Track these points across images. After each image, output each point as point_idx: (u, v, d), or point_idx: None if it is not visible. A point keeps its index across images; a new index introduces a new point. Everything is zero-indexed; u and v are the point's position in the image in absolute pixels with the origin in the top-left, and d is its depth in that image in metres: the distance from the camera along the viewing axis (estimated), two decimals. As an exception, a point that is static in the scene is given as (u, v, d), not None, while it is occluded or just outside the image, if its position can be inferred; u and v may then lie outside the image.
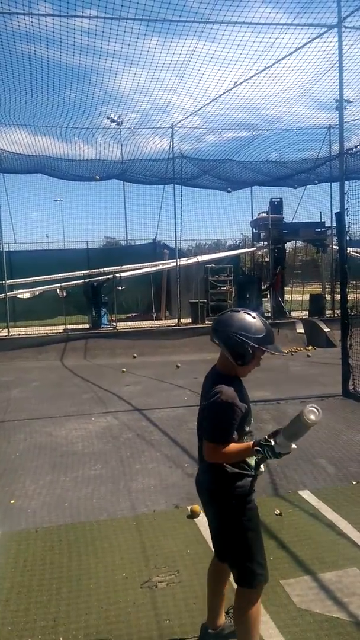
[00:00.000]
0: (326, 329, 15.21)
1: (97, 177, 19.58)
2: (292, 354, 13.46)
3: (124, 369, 11.53)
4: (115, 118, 17.19)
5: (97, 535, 3.98)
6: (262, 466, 2.47)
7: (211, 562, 2.77)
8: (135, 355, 13.59)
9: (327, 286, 20.10)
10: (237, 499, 2.47)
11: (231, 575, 2.62)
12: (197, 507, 3.98)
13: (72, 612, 3.05)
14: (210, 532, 2.69)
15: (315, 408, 2.33)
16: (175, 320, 16.78)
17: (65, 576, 3.43)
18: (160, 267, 19.42)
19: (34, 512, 4.47)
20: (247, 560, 2.46)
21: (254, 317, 2.43)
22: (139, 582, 3.31)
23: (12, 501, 4.72)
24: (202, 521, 3.13)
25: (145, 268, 18.84)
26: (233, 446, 2.36)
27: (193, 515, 4.13)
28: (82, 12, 9.65)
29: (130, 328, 16.17)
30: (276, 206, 18.61)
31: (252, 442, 2.38)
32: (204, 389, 2.53)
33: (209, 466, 2.46)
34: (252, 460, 2.46)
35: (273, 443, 2.35)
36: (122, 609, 3.06)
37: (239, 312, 2.46)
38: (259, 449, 2.33)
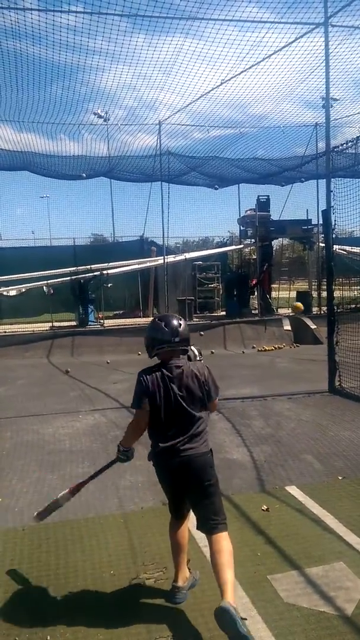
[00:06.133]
0: (313, 326, 15.32)
1: (84, 175, 19.47)
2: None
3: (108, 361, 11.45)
4: (102, 114, 17.09)
5: (85, 533, 3.98)
6: None
7: (172, 526, 3.16)
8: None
9: (314, 283, 20.21)
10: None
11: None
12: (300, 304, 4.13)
13: (59, 611, 3.04)
14: (189, 496, 3.06)
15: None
16: (163, 318, 16.74)
17: (52, 574, 3.42)
18: (148, 264, 19.39)
19: (20, 510, 4.45)
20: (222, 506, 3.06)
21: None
22: (127, 580, 3.31)
23: (-1, 500, 4.69)
24: (190, 517, 3.15)
25: (133, 265, 18.79)
26: None
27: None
28: (68, 8, 9.58)
29: (117, 325, 16.14)
30: (263, 203, 18.66)
31: None
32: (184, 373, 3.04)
33: (203, 431, 3.03)
34: None
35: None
36: (110, 607, 3.06)
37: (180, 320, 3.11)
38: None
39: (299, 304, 4.03)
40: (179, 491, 3.08)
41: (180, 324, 3.04)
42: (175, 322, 3.04)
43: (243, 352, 13.99)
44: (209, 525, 2.94)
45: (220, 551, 2.83)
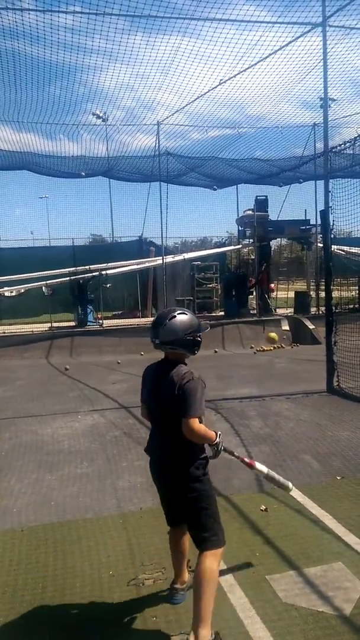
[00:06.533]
0: (311, 326, 15.33)
1: (83, 174, 19.47)
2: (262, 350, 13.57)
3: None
4: (101, 114, 17.09)
5: (84, 534, 3.97)
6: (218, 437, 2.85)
7: (171, 535, 3.07)
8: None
9: (312, 283, 20.24)
10: (206, 466, 2.85)
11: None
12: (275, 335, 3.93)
13: (58, 612, 3.04)
14: (175, 506, 2.93)
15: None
16: (162, 318, 16.75)
17: (51, 575, 3.42)
18: (147, 264, 19.39)
19: (19, 511, 4.45)
20: (217, 523, 2.84)
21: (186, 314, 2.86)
22: (125, 580, 3.31)
23: (-2, 501, 4.68)
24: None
25: (132, 265, 18.79)
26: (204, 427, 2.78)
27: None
28: (66, 8, 9.57)
29: (116, 326, 16.14)
30: (261, 204, 18.68)
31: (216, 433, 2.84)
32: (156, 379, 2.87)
33: (182, 444, 2.75)
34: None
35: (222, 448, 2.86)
36: (108, 607, 3.06)
37: (175, 316, 2.81)
38: (220, 437, 2.83)
39: (274, 335, 3.99)
40: (162, 494, 3.01)
41: (164, 324, 2.77)
42: (162, 320, 2.80)
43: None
44: (195, 539, 2.84)
45: (197, 573, 2.69)
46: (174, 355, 2.86)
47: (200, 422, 2.74)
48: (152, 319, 16.35)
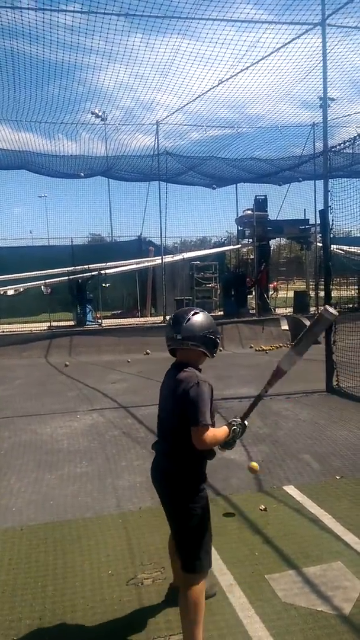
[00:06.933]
0: (310, 326, 15.31)
1: (82, 174, 19.47)
2: (266, 352, 13.58)
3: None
4: (100, 114, 17.09)
5: (83, 533, 3.97)
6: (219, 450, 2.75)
7: (171, 536, 2.89)
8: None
9: (312, 283, 20.25)
10: (200, 484, 2.65)
11: None
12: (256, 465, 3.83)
13: (57, 611, 3.04)
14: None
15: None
16: (161, 318, 16.78)
17: (50, 574, 3.43)
18: (146, 264, 19.40)
19: (19, 510, 4.45)
20: (200, 547, 2.60)
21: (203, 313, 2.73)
22: (124, 580, 3.31)
23: (-3, 500, 4.69)
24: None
25: (131, 265, 18.81)
26: (215, 429, 2.61)
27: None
28: (65, 7, 9.58)
29: (115, 325, 16.14)
30: (261, 203, 18.69)
31: (227, 423, 2.74)
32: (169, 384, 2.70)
33: (179, 453, 2.60)
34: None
35: (246, 423, 2.83)
36: (108, 607, 3.06)
37: (197, 313, 2.70)
38: (235, 427, 2.73)
39: (255, 465, 3.99)
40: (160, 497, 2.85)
41: (187, 319, 2.64)
42: (184, 316, 2.67)
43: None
44: (180, 559, 2.66)
45: (185, 596, 2.56)
46: (185, 358, 2.69)
47: (213, 425, 2.58)
48: (151, 318, 16.43)
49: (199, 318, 2.67)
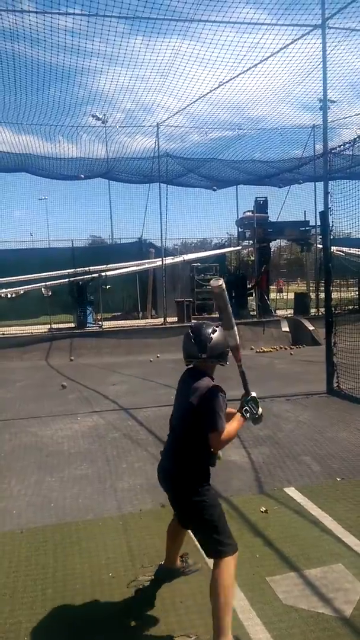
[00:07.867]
0: (311, 327, 15.33)
1: (82, 176, 19.48)
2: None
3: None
4: (100, 116, 17.12)
5: (83, 536, 3.97)
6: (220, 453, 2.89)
7: (172, 522, 3.16)
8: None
9: (312, 285, 20.24)
10: (208, 482, 2.86)
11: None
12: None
13: (58, 613, 3.04)
14: (179, 512, 3.01)
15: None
16: (161, 319, 16.78)
17: (50, 577, 3.42)
18: (146, 265, 19.39)
19: (19, 513, 4.44)
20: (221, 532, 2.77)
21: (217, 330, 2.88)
22: (125, 582, 3.30)
23: (-3, 502, 4.68)
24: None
25: (131, 267, 18.80)
26: (229, 425, 2.77)
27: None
28: (66, 10, 9.59)
29: (116, 327, 16.14)
30: (261, 205, 18.71)
31: (236, 410, 2.92)
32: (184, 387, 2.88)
33: (187, 458, 2.80)
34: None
35: (254, 394, 2.96)
36: (108, 609, 3.05)
37: (216, 330, 2.86)
38: (247, 407, 2.91)
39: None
40: (169, 498, 3.04)
41: (210, 339, 2.81)
42: (207, 335, 2.83)
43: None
44: (202, 549, 2.86)
45: (211, 580, 2.67)
46: (203, 367, 2.88)
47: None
48: (152, 320, 16.33)
49: (220, 337, 2.85)
